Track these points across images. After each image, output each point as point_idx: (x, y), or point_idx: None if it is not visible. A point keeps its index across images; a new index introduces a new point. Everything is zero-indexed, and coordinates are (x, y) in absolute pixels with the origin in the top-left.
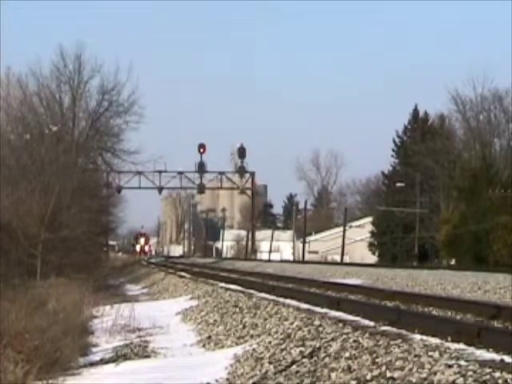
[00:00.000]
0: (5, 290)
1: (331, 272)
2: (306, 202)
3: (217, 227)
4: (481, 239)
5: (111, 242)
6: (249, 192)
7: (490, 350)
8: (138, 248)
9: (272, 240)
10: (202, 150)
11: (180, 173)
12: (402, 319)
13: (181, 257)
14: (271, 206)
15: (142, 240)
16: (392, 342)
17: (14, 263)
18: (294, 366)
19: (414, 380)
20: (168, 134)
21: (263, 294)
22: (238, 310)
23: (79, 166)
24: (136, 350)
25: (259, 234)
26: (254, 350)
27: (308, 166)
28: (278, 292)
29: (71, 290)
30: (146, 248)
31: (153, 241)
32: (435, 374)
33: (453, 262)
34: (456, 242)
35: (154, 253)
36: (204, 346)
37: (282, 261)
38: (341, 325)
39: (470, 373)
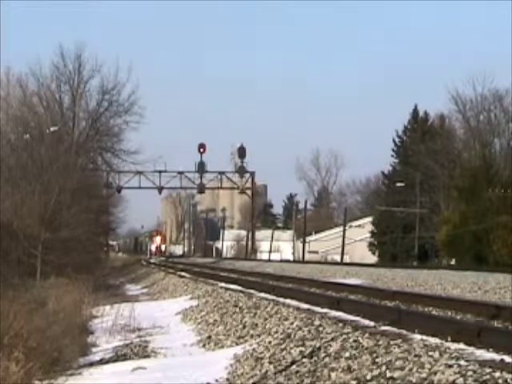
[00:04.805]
0: (5, 290)
1: (331, 272)
2: (305, 202)
3: (217, 227)
4: (481, 239)
5: (111, 242)
6: (249, 192)
7: (490, 350)
8: (153, 247)
9: (272, 240)
10: (202, 150)
11: (180, 173)
12: (402, 319)
13: (181, 256)
14: (271, 206)
15: (158, 239)
16: (392, 342)
17: (14, 263)
18: (293, 366)
19: (413, 380)
20: (168, 134)
21: (263, 294)
22: (238, 309)
23: (79, 166)
24: (136, 349)
25: (259, 234)
26: (253, 349)
27: (308, 165)
28: (278, 292)
29: (71, 290)
30: (163, 247)
31: None
32: (435, 373)
33: (453, 261)
34: (456, 241)
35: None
36: (204, 345)
37: (281, 261)
38: (341, 325)
39: (469, 373)
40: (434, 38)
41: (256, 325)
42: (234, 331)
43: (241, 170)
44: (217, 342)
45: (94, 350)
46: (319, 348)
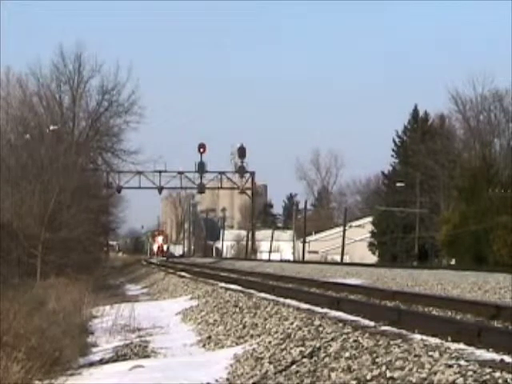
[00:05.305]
0: (5, 290)
1: (331, 272)
2: (305, 202)
3: (217, 227)
4: (481, 239)
5: (111, 242)
6: (249, 192)
7: (490, 350)
8: (155, 247)
9: (272, 240)
10: (201, 150)
11: (180, 173)
12: (402, 319)
13: (181, 256)
14: (271, 206)
15: (160, 238)
16: (392, 342)
17: (14, 263)
18: (293, 366)
19: (413, 380)
20: (168, 134)
21: (263, 294)
22: (237, 309)
23: (79, 166)
24: (136, 349)
25: (259, 234)
26: (253, 349)
27: (308, 165)
28: (278, 292)
29: (71, 290)
30: (165, 247)
31: None
32: (435, 373)
33: (453, 261)
34: (456, 241)
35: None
36: (204, 345)
37: (281, 261)
38: (341, 325)
39: (469, 373)
40: (433, 37)
41: (256, 325)
42: (234, 331)
43: (241, 170)
44: (217, 342)
45: (94, 350)
46: (319, 348)
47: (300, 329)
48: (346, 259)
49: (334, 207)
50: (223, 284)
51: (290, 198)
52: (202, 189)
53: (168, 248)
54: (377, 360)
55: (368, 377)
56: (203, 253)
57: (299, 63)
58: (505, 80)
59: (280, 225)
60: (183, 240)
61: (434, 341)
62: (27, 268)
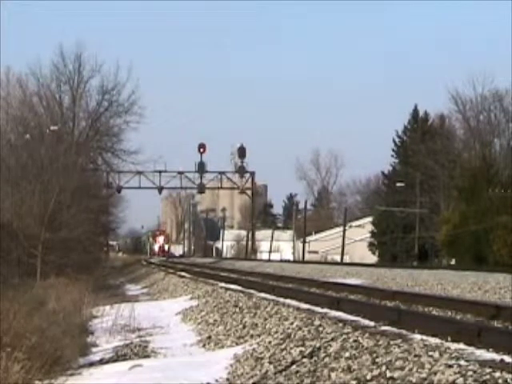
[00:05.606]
0: (5, 290)
1: (331, 272)
2: (306, 202)
3: (217, 227)
4: (481, 239)
5: (111, 242)
6: (249, 192)
7: (490, 350)
8: (156, 247)
9: (272, 240)
10: (201, 150)
11: (180, 173)
12: (402, 319)
13: (181, 256)
14: (271, 206)
15: (161, 238)
16: (392, 342)
17: (14, 263)
18: (293, 366)
19: (413, 380)
20: (168, 134)
21: (263, 294)
22: (238, 309)
23: (79, 166)
24: (136, 349)
25: (259, 234)
26: (253, 349)
27: (308, 166)
28: (278, 292)
29: (71, 290)
30: (166, 247)
31: None
32: (435, 373)
33: (453, 261)
34: (456, 241)
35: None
36: (204, 345)
37: (281, 261)
38: (341, 325)
39: (469, 373)
40: (434, 37)
41: (256, 325)
42: (234, 331)
43: (241, 170)
44: (217, 342)
45: (94, 350)
46: (319, 348)
47: (300, 329)
48: (346, 259)
49: (334, 207)
50: (223, 284)
51: (290, 197)
52: (202, 189)
53: (169, 248)
54: (377, 360)
55: (368, 377)
56: (203, 253)
57: (299, 63)
58: (505, 80)
59: (280, 225)
60: (183, 240)
61: (433, 341)
62: (27, 268)
